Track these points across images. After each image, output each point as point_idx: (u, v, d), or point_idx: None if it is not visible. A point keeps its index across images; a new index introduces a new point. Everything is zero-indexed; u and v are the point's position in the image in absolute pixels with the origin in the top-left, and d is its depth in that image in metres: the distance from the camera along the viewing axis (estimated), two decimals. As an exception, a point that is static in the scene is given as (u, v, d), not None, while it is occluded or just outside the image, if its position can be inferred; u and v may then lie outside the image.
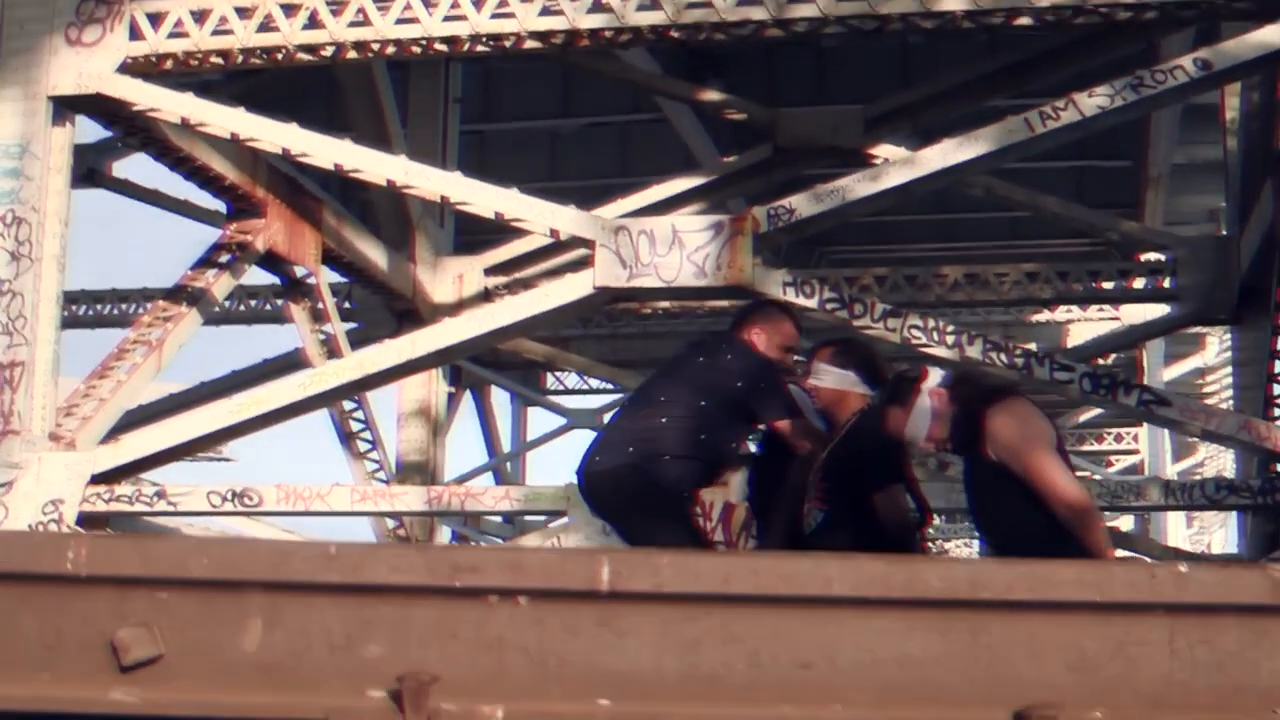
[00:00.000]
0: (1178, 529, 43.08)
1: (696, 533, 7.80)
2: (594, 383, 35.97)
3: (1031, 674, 3.32)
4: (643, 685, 3.20)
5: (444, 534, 23.51)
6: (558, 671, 3.20)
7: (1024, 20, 14.04)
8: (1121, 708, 3.30)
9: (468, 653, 3.17)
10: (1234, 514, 19.92)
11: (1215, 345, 37.95)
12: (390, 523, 20.53)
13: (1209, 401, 34.61)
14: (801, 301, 14.89)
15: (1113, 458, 41.95)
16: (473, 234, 23.00)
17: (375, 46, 15.17)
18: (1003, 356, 14.13)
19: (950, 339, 14.12)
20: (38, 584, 3.05)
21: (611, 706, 3.17)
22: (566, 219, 15.25)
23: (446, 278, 21.61)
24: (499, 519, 28.76)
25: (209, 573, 3.07)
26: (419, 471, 21.53)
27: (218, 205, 19.80)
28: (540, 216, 15.32)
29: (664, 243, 14.84)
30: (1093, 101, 14.02)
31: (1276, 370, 18.68)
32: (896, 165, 15.28)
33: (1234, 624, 3.41)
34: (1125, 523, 29.43)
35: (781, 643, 3.26)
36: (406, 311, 21.15)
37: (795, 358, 8.17)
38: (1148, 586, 3.36)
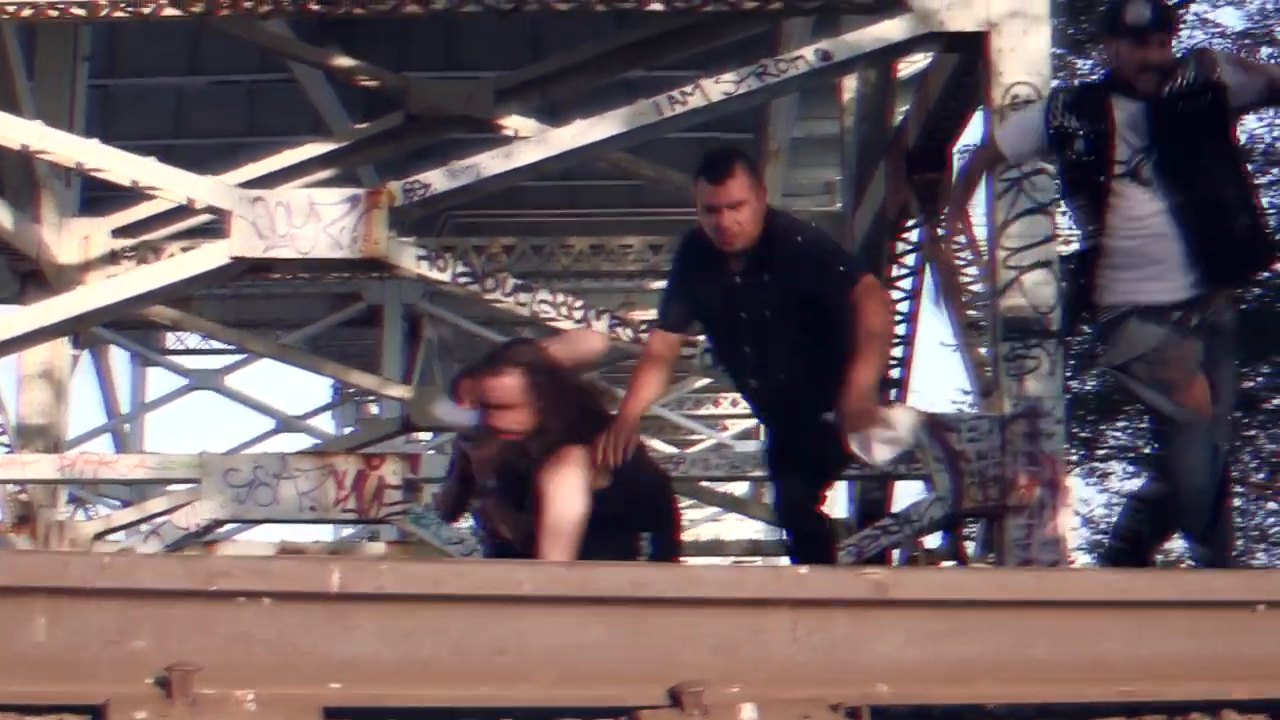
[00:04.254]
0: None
1: None
2: (216, 344, 35.30)
3: (683, 657, 4.08)
4: (366, 671, 3.85)
5: (63, 498, 23.15)
6: (296, 660, 3.80)
7: (656, 6, 14.76)
8: (755, 684, 4.09)
9: (221, 646, 3.74)
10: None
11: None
12: (11, 488, 20.20)
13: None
14: (435, 275, 15.39)
15: (728, 421, 42.93)
16: (99, 191, 22.71)
17: (10, 9, 14.93)
18: (628, 331, 14.85)
19: (578, 314, 14.82)
20: None
21: (340, 689, 3.79)
22: (204, 189, 15.37)
23: (73, 239, 21.18)
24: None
25: (-4, 581, 3.56)
26: (41, 435, 21.16)
27: None
28: (177, 185, 15.41)
29: (301, 214, 15.10)
30: (719, 88, 14.81)
31: (886, 348, 19.91)
32: (529, 143, 15.88)
33: (843, 615, 4.25)
34: (739, 488, 30.50)
35: (481, 633, 3.95)
36: (30, 273, 20.69)
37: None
38: (774, 585, 4.18)
